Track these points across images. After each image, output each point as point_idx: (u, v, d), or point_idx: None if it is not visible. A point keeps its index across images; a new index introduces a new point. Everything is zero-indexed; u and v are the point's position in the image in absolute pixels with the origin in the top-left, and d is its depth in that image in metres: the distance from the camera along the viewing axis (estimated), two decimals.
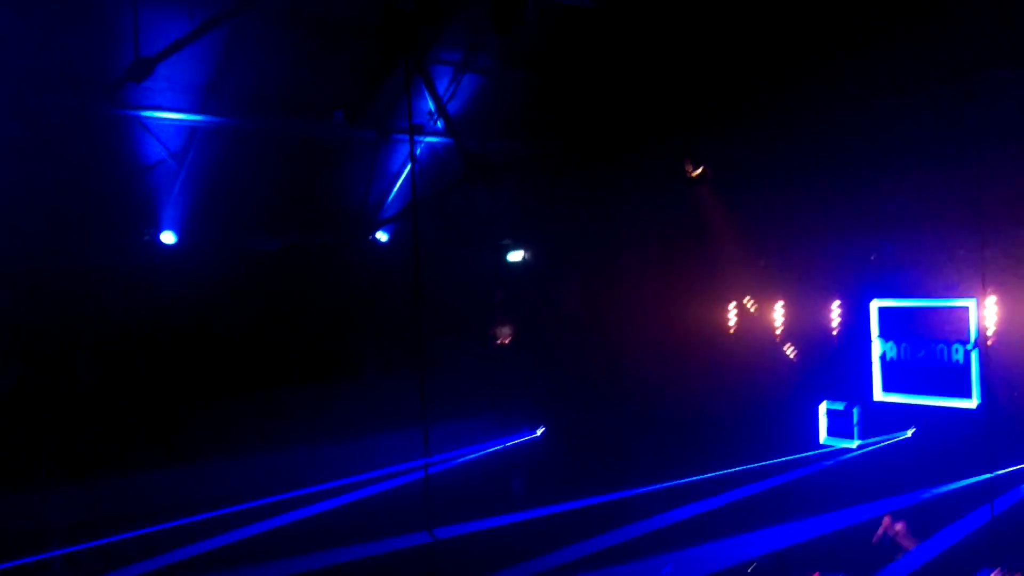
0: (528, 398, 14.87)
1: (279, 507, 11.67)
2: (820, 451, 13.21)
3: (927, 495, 11.64)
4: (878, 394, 12.89)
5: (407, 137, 12.21)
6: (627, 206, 14.65)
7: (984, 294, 11.60)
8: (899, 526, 11.41)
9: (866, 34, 10.98)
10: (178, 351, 11.91)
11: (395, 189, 13.25)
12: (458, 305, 13.88)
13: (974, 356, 11.96)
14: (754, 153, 12.91)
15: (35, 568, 10.14)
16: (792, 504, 12.32)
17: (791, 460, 13.04)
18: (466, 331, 14.61)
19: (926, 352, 12.42)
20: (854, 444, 12.99)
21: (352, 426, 12.90)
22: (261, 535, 11.24)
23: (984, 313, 11.75)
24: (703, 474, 12.97)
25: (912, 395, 12.57)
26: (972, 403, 11.94)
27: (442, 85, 12.02)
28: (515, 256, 14.77)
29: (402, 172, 13.08)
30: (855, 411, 13.03)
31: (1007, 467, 11.05)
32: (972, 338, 11.94)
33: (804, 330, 13.63)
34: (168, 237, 11.25)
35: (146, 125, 10.44)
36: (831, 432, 13.28)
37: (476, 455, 13.85)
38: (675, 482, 12.81)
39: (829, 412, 13.28)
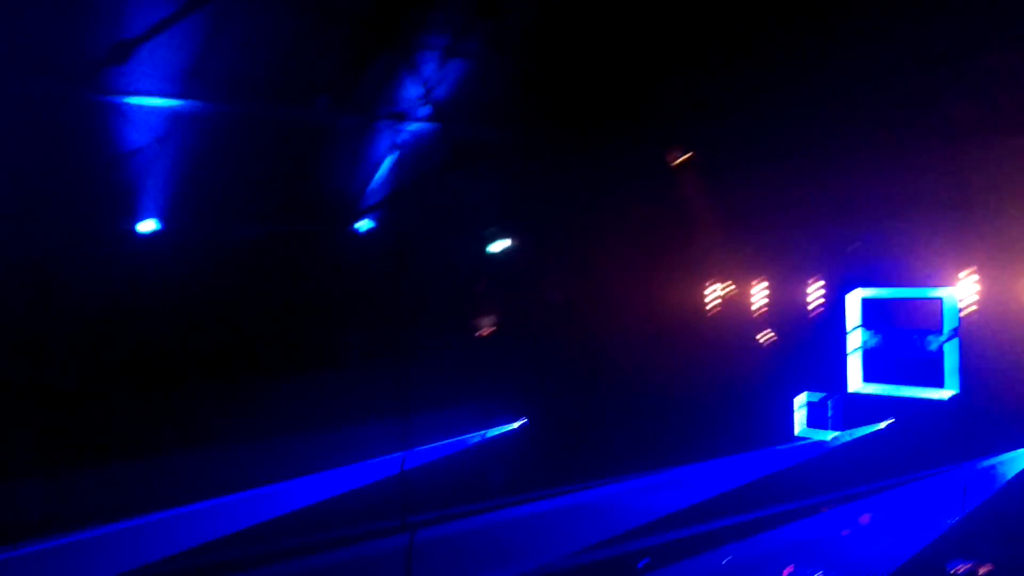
0: (510, 388, 14.83)
1: (258, 499, 11.51)
2: (796, 443, 13.35)
3: (899, 486, 11.80)
4: (855, 385, 13.03)
5: (392, 123, 12.08)
6: (610, 195, 14.63)
7: (961, 283, 11.76)
8: None
9: (844, 24, 10.95)
10: (156, 340, 11.74)
11: (378, 175, 13.12)
12: (440, 294, 13.78)
13: (947, 348, 12.11)
14: (736, 141, 12.94)
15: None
16: (767, 496, 12.36)
17: (767, 451, 13.13)
18: (449, 320, 14.54)
19: (902, 342, 12.57)
20: (829, 436, 13.14)
21: (332, 416, 12.75)
22: (242, 530, 11.09)
23: (960, 303, 11.90)
24: (679, 465, 12.98)
25: (889, 385, 12.72)
26: (947, 393, 12.08)
27: (428, 70, 11.89)
28: (498, 246, 14.70)
29: (386, 158, 12.96)
30: (829, 403, 13.18)
31: (981, 458, 11.24)
32: (946, 328, 12.09)
33: (782, 319, 13.75)
34: (148, 224, 11.07)
35: (126, 111, 10.22)
36: (809, 424, 13.42)
37: (457, 447, 13.74)
38: (651, 474, 12.82)
39: (808, 404, 13.43)
